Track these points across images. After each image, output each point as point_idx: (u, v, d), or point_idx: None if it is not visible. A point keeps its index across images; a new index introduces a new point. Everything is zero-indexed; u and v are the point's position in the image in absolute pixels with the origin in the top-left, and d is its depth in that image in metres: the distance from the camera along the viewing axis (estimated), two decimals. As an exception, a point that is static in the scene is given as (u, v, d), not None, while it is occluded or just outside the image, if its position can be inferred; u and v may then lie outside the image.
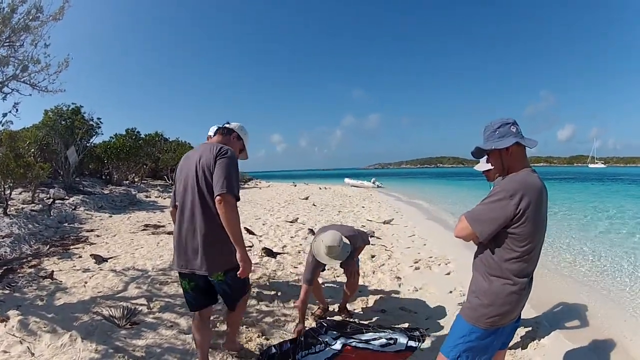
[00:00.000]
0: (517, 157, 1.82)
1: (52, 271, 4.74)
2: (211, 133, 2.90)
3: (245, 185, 26.80)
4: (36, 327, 3.12)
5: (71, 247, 6.28)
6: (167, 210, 11.25)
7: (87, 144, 15.28)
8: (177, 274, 2.50)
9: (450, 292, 4.48)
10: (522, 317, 2.02)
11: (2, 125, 5.70)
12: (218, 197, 2.15)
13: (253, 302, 4.02)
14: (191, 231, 2.28)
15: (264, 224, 9.06)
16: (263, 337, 3.19)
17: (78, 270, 4.94)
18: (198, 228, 2.25)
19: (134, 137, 18.84)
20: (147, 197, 14.81)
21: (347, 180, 33.12)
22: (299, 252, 6.16)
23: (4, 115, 5.20)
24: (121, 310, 3.43)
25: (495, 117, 1.91)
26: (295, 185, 28.69)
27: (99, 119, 15.76)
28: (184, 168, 2.39)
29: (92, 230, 7.88)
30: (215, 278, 2.29)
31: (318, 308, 3.79)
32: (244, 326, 3.34)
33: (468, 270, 2.01)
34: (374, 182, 30.38)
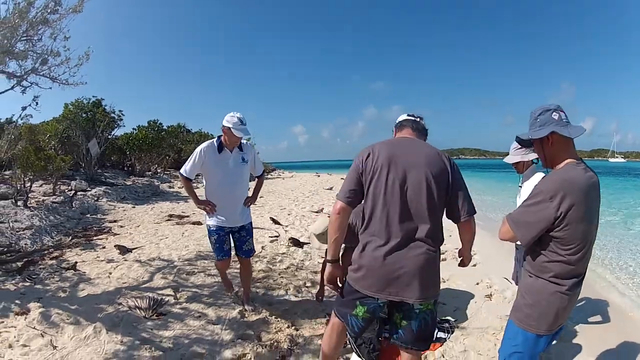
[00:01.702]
0: (559, 147, 1.70)
1: (75, 262, 4.69)
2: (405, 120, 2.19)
3: (269, 176, 26.59)
4: (59, 319, 3.06)
5: (94, 238, 6.25)
6: (190, 201, 11.09)
7: (109, 136, 15.29)
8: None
9: (477, 283, 4.36)
10: None
11: (22, 119, 5.61)
12: (467, 218, 2.00)
13: (281, 292, 3.96)
14: (411, 250, 1.87)
15: (289, 214, 8.97)
16: (293, 328, 3.12)
17: (102, 261, 4.88)
18: (423, 248, 1.88)
19: (156, 129, 18.84)
20: (170, 187, 14.85)
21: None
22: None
23: (24, 108, 5.19)
24: (147, 301, 3.37)
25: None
26: (319, 176, 28.24)
27: (120, 111, 15.80)
28: (396, 166, 1.89)
29: (115, 221, 7.87)
30: (425, 307, 1.93)
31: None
32: (273, 316, 3.30)
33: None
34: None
